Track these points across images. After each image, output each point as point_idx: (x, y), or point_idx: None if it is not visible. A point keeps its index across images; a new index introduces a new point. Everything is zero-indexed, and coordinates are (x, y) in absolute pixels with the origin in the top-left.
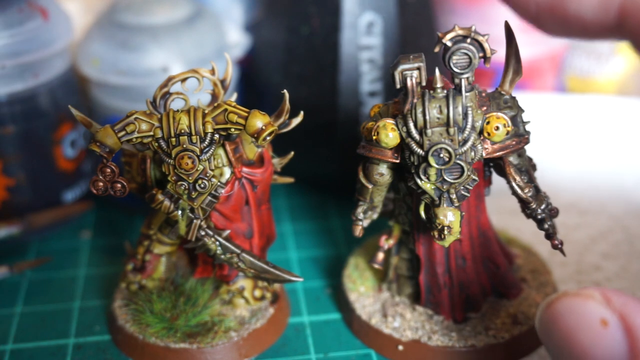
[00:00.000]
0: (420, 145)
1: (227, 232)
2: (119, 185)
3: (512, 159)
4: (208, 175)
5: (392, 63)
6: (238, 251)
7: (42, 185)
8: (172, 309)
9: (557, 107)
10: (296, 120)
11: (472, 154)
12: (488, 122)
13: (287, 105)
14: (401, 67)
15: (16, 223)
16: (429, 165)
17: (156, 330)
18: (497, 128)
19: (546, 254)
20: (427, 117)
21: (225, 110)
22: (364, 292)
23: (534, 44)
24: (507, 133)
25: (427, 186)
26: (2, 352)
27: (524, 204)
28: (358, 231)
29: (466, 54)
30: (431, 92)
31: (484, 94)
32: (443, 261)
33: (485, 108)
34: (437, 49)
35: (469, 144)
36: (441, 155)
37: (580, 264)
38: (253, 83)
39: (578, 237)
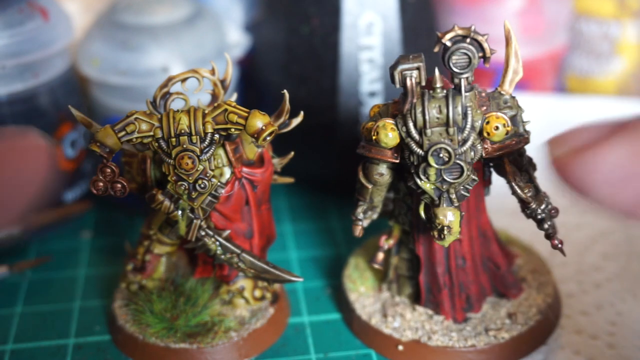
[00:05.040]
0: (420, 145)
1: (227, 232)
2: (119, 185)
3: (512, 158)
4: (208, 175)
5: (392, 63)
6: (238, 251)
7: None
8: (172, 309)
9: (557, 108)
10: (296, 121)
11: (472, 153)
12: (488, 122)
13: (287, 105)
14: (401, 67)
15: None
16: (429, 165)
17: (156, 330)
18: (497, 128)
19: (546, 254)
20: (427, 117)
21: (226, 110)
22: (364, 292)
23: (534, 44)
24: (507, 133)
25: (427, 186)
26: (2, 352)
27: (523, 204)
28: (358, 231)
29: (466, 53)
30: (431, 92)
31: (483, 94)
32: (443, 261)
33: (484, 108)
34: (436, 49)
35: (469, 143)
36: (441, 155)
37: (580, 264)
38: (253, 83)
39: (578, 237)
